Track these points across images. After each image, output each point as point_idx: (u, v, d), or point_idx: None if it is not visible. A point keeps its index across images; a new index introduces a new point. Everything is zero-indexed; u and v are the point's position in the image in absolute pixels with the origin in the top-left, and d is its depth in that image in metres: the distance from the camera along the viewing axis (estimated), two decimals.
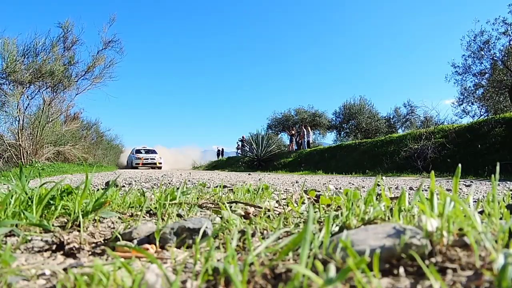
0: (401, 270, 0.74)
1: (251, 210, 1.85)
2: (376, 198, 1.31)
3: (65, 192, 1.56)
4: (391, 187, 5.98)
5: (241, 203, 1.98)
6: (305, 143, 27.66)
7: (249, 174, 15.60)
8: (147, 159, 31.65)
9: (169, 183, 6.82)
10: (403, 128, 33.52)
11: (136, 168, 29.79)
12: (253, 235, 1.27)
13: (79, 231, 1.30)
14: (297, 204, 2.06)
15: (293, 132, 29.94)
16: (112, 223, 1.53)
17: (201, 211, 1.91)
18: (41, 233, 1.26)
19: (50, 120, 20.72)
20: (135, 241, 1.18)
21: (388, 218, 1.11)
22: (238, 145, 34.98)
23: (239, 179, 9.95)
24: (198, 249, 0.82)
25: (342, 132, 36.30)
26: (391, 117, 34.70)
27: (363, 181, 9.08)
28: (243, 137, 33.55)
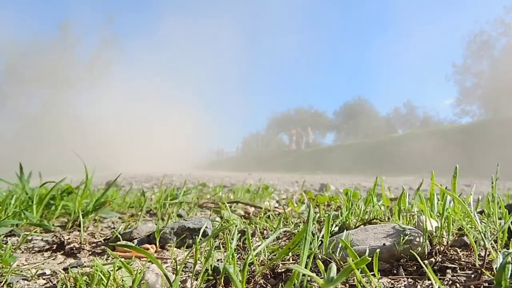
0: (401, 269, 0.74)
1: (251, 210, 1.85)
2: (376, 198, 1.31)
3: (65, 192, 1.56)
4: (391, 187, 5.98)
5: (241, 203, 1.98)
6: (304, 143, 27.66)
7: (249, 174, 15.60)
8: None
9: (169, 183, 6.83)
10: (403, 128, 33.56)
11: None
12: (253, 235, 1.27)
13: (79, 231, 1.30)
14: (297, 204, 2.07)
15: (293, 132, 29.93)
16: (113, 223, 1.53)
17: (201, 211, 1.92)
18: (41, 233, 1.26)
19: (50, 120, 20.80)
20: (135, 241, 1.18)
21: (388, 218, 1.11)
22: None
23: (239, 179, 9.95)
24: (198, 249, 0.82)
25: (342, 132, 36.37)
26: (391, 117, 34.77)
27: (363, 181, 9.08)
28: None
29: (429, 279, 0.67)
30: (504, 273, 0.59)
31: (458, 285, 0.65)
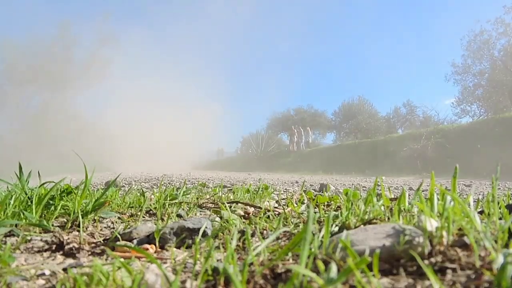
0: (401, 270, 0.74)
1: (250, 210, 1.85)
2: (376, 198, 1.31)
3: (64, 192, 1.56)
4: (391, 187, 5.98)
5: (241, 203, 1.98)
6: (304, 143, 27.65)
7: (248, 174, 15.61)
8: None
9: (169, 183, 6.83)
10: (402, 128, 33.53)
11: None
12: (252, 235, 1.27)
13: (78, 231, 1.30)
14: (296, 204, 2.07)
15: (294, 131, 29.83)
16: (112, 223, 1.53)
17: (201, 211, 1.91)
18: (40, 233, 1.26)
19: (50, 120, 20.79)
20: (135, 241, 1.18)
21: (388, 218, 1.11)
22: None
23: (239, 179, 9.96)
24: (198, 249, 0.82)
25: (342, 132, 36.35)
26: (391, 117, 34.75)
27: (363, 181, 9.08)
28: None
29: (429, 280, 0.67)
30: (504, 273, 0.59)
31: (458, 285, 0.65)
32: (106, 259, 1.03)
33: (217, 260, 0.99)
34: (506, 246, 0.79)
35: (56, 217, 1.49)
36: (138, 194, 2.10)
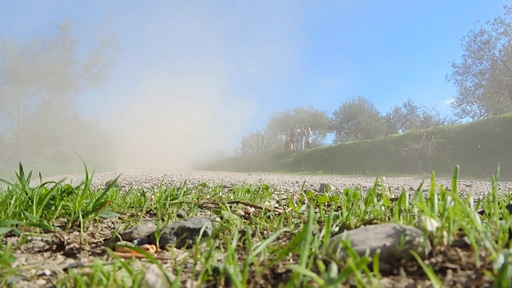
0: (401, 270, 0.74)
1: (251, 210, 1.85)
2: (377, 199, 1.31)
3: (65, 192, 1.56)
4: (391, 187, 5.98)
5: (241, 203, 1.98)
6: (303, 143, 27.62)
7: (249, 174, 15.60)
8: None
9: (170, 183, 6.83)
10: (403, 128, 33.50)
11: None
12: (253, 235, 1.27)
13: (79, 231, 1.30)
14: (297, 204, 2.07)
15: (297, 131, 29.73)
16: (112, 223, 1.53)
17: (201, 211, 1.91)
18: (41, 233, 1.26)
19: (50, 120, 20.79)
20: (135, 241, 1.18)
21: (389, 218, 1.11)
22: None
23: (239, 179, 9.96)
24: (198, 249, 0.82)
25: (342, 132, 36.34)
26: (391, 117, 34.73)
27: (363, 181, 9.08)
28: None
29: (429, 280, 0.67)
30: (504, 273, 0.59)
31: (458, 285, 0.65)
32: (106, 259, 1.03)
33: (218, 260, 0.99)
34: (507, 246, 0.79)
35: (57, 217, 1.49)
36: (139, 194, 2.10)
